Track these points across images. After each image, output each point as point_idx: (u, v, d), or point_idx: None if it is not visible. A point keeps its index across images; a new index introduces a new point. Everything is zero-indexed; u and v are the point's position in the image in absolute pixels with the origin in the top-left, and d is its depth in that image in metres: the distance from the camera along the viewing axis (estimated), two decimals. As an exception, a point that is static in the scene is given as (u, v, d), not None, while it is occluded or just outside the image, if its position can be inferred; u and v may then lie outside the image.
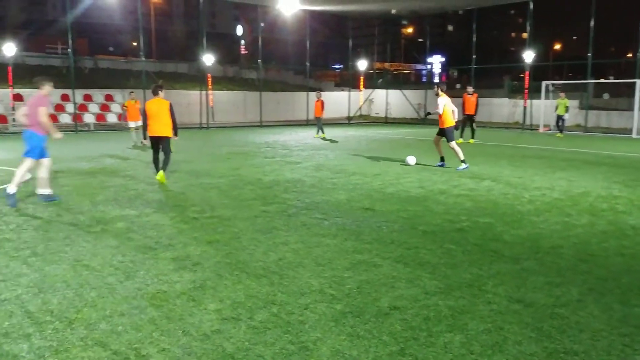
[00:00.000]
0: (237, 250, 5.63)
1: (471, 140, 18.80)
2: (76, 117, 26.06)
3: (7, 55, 25.12)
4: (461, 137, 18.73)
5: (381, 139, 20.53)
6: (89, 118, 27.27)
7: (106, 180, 10.27)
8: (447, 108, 11.94)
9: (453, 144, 12.00)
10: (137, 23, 28.79)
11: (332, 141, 19.78)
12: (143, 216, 7.24)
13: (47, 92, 8.19)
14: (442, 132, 12.12)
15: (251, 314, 3.99)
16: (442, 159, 12.36)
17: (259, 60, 31.70)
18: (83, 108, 27.54)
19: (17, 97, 25.90)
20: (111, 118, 28.00)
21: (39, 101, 8.11)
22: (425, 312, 4.05)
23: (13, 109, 25.82)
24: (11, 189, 8.01)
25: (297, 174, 11.22)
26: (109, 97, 29.28)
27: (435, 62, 56.46)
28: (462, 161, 11.87)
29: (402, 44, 64.99)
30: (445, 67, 59.38)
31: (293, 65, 43.55)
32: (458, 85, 42.64)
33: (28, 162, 8.21)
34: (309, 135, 23.04)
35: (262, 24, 33.38)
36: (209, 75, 29.91)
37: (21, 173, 8.14)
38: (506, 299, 4.32)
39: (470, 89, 19.59)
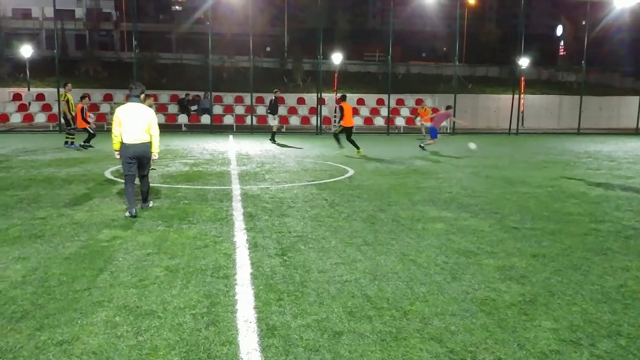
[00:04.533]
0: (567, 269, 5.18)
1: None
2: (389, 120, 28.22)
3: (335, 63, 28.78)
4: None
5: None
6: (399, 121, 29.18)
7: (420, 181, 10.74)
8: None
9: None
10: (450, 28, 29.51)
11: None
12: (461, 220, 7.30)
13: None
14: None
15: (593, 341, 3.59)
16: None
17: (582, 62, 28.95)
18: (395, 112, 29.60)
19: (337, 100, 29.41)
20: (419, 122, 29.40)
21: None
22: None
23: (335, 111, 29.48)
24: None
25: (630, 191, 9.81)
26: (419, 102, 30.79)
27: None
28: None
29: None
30: None
31: (623, 66, 38.41)
32: None
33: None
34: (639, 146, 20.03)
35: (583, 22, 30.38)
36: (522, 78, 28.70)
37: None
38: None
39: None
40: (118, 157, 7.40)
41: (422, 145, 17.76)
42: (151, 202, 7.94)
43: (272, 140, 19.98)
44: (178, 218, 7.17)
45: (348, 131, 16.15)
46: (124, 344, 3.55)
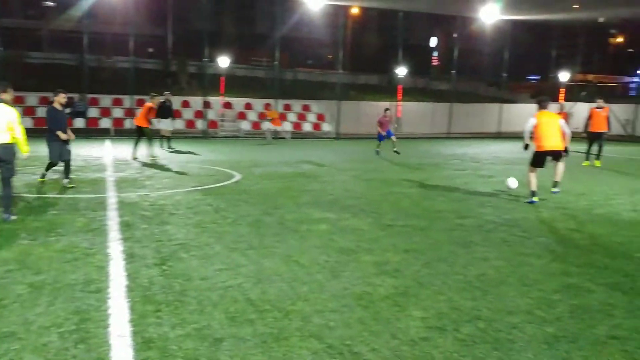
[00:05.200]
0: (435, 261, 5.62)
1: (597, 163, 15.53)
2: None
3: (221, 67, 28.50)
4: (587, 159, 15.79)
5: (583, 155, 18.75)
6: (287, 126, 29.55)
7: (306, 184, 11.00)
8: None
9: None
10: (335, 37, 30.49)
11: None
12: (342, 220, 7.60)
13: None
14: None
15: (457, 326, 3.95)
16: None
17: (453, 72, 31.24)
18: (282, 117, 29.94)
19: (227, 105, 29.18)
20: (306, 127, 29.97)
21: None
22: (655, 350, 3.60)
23: (222, 115, 29.23)
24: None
25: (491, 188, 10.80)
26: (305, 107, 31.39)
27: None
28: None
29: (608, 54, 58.63)
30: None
31: (487, 76, 42.05)
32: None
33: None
34: (500, 148, 22.04)
35: (454, 35, 32.89)
36: (399, 86, 30.35)
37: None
38: None
39: (600, 101, 16.03)
40: None
41: (377, 150, 18.24)
42: (14, 216, 7.19)
43: (170, 147, 18.85)
44: (45, 230, 6.68)
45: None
46: (-18, 369, 3.28)
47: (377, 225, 7.33)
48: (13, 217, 7.15)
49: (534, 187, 9.23)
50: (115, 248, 5.98)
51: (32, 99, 26.69)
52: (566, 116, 21.41)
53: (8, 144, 6.90)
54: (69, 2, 30.69)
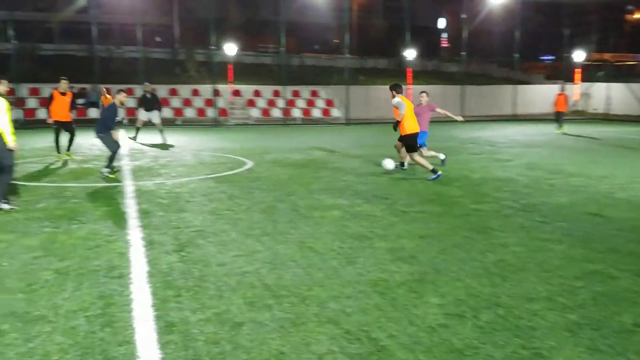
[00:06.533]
0: (451, 247, 5.60)
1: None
2: (285, 112, 28.46)
3: (228, 54, 28.39)
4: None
5: (603, 137, 18.55)
6: (296, 112, 29.47)
7: (317, 171, 10.98)
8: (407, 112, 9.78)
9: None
10: (341, 21, 30.24)
11: (563, 135, 18.76)
12: (355, 206, 7.59)
13: None
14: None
15: (476, 313, 3.93)
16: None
17: (463, 53, 30.88)
18: (291, 103, 29.84)
19: (236, 93, 29.11)
20: (316, 113, 29.86)
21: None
22: (678, 335, 3.57)
23: (232, 103, 29.19)
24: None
25: (508, 172, 10.72)
26: (314, 93, 31.26)
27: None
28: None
29: (625, 31, 57.57)
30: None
31: (499, 57, 41.50)
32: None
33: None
34: (516, 131, 21.88)
35: (463, 15, 32.46)
36: (409, 69, 30.10)
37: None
38: None
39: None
40: None
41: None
42: (6, 204, 7.15)
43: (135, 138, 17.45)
44: (67, 218, 6.79)
45: None
46: (13, 352, 3.36)
47: (390, 211, 7.31)
48: (6, 207, 7.11)
49: (430, 166, 9.79)
50: (135, 235, 6.05)
51: (46, 89, 26.85)
52: (565, 98, 21.20)
53: None
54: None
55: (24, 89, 25.92)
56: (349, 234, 6.13)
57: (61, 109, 12.71)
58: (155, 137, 17.52)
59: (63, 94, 12.72)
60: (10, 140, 7.05)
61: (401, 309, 4.01)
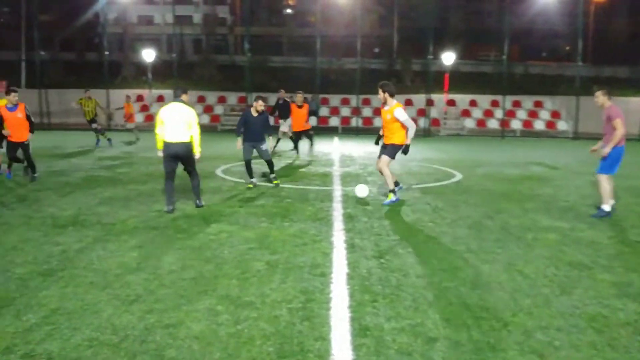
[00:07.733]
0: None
1: None
2: (503, 123, 27.01)
3: (445, 63, 27.99)
4: None
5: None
6: (515, 124, 27.77)
7: (535, 188, 10.14)
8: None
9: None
10: (574, 25, 27.62)
11: None
12: (577, 231, 6.79)
13: None
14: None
15: None
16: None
17: None
18: (510, 114, 28.22)
19: (450, 103, 28.61)
20: (538, 125, 27.75)
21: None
22: None
23: (445, 113, 28.75)
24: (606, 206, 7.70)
25: None
26: (537, 104, 29.12)
27: None
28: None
29: None
30: None
31: None
32: None
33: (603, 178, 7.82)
34: None
35: None
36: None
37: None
38: None
39: None
40: (161, 155, 7.64)
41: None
42: (203, 201, 8.01)
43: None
44: (280, 216, 7.39)
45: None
46: (224, 331, 3.73)
47: (619, 239, 6.37)
48: (202, 204, 7.92)
49: (392, 185, 8.51)
50: (339, 237, 6.30)
51: (273, 99, 29.92)
52: None
53: (188, 142, 7.54)
54: (305, 9, 33.46)
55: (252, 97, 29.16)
56: (566, 260, 5.49)
57: (299, 120, 14.88)
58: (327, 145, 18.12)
59: (300, 106, 14.74)
60: (198, 152, 7.76)
61: (622, 352, 3.44)
